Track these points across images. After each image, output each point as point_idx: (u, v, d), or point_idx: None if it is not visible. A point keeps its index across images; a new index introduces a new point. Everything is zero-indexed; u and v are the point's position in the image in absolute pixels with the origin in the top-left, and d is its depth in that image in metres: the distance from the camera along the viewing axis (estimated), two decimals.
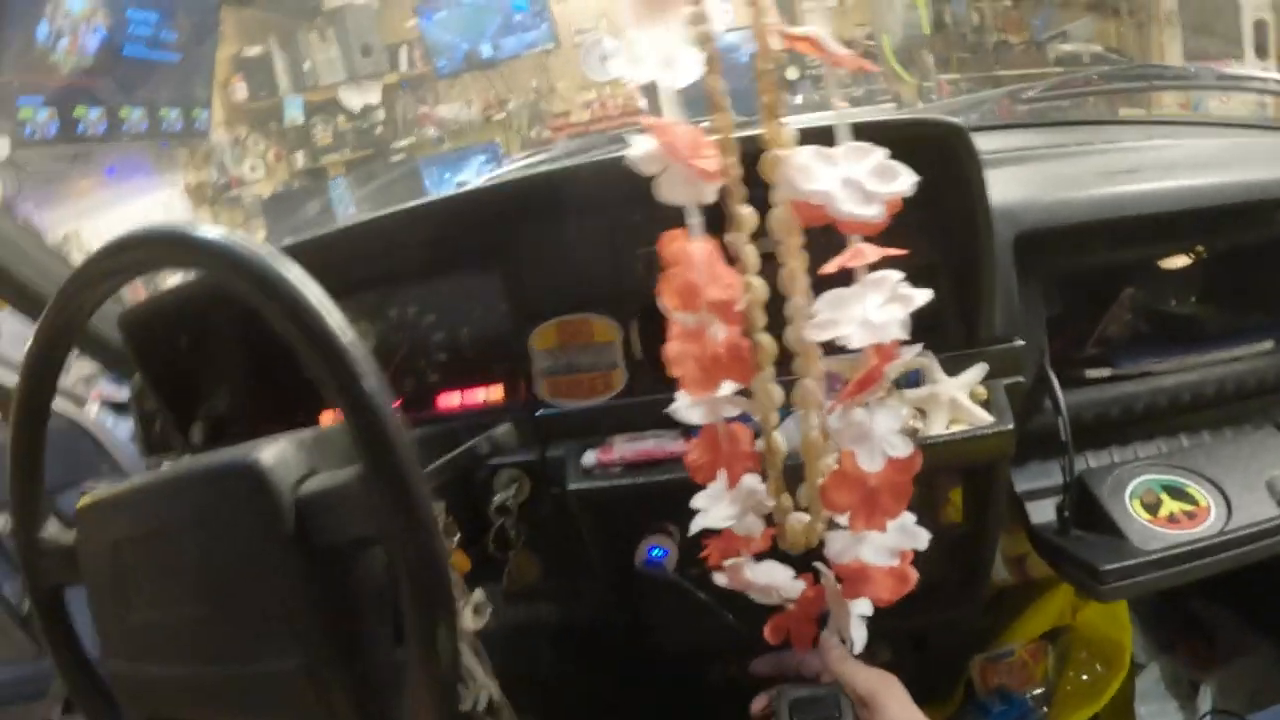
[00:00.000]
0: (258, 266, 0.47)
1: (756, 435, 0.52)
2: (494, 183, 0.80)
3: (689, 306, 0.45)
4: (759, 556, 0.56)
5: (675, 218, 0.46)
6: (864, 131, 0.43)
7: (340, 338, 0.45)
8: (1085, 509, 0.72)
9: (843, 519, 0.51)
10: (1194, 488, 0.71)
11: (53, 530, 0.61)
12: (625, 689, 1.02)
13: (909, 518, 0.52)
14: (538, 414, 0.77)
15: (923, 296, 0.44)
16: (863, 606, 0.57)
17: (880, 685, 0.56)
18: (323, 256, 0.70)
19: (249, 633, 0.51)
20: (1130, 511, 0.70)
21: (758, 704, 0.62)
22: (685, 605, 0.71)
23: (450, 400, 0.87)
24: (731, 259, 0.46)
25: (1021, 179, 0.80)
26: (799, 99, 4.24)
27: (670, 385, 0.65)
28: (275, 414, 0.89)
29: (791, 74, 4.35)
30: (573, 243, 0.77)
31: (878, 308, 0.44)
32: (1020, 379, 0.72)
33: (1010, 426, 0.65)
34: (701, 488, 0.54)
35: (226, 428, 0.90)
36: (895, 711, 0.55)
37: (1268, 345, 0.79)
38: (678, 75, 0.42)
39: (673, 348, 0.48)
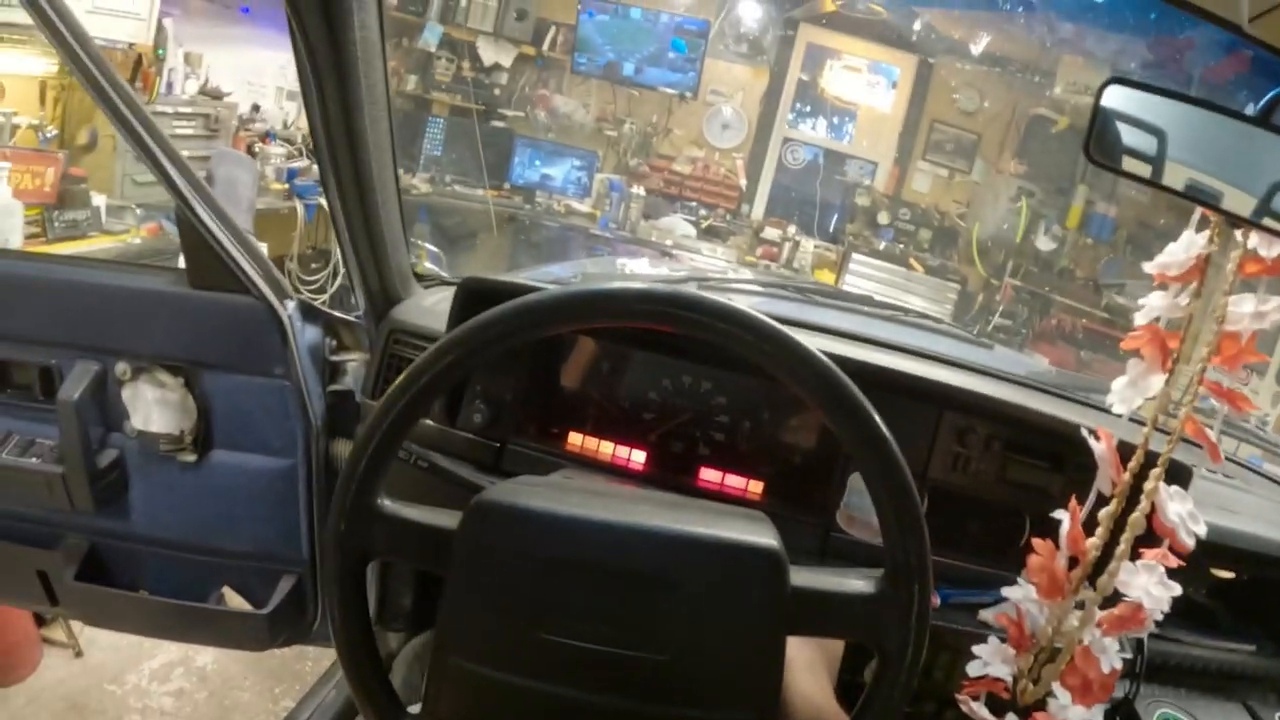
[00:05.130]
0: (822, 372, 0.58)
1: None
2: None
3: (1071, 551, 0.76)
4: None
5: None
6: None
7: (896, 453, 0.58)
8: None
9: (1059, 691, 0.82)
10: None
11: (396, 504, 0.62)
12: None
13: None
14: (832, 534, 0.97)
15: (1176, 589, 0.78)
16: None
17: None
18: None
19: (711, 685, 0.59)
20: None
21: None
22: None
23: (711, 477, 1.01)
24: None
25: None
26: (882, 245, 4.59)
27: None
28: (535, 418, 1.04)
29: (883, 219, 4.57)
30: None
31: (1156, 586, 0.78)
32: None
33: None
34: None
35: (500, 417, 1.01)
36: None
37: None
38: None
39: (1035, 561, 0.79)
